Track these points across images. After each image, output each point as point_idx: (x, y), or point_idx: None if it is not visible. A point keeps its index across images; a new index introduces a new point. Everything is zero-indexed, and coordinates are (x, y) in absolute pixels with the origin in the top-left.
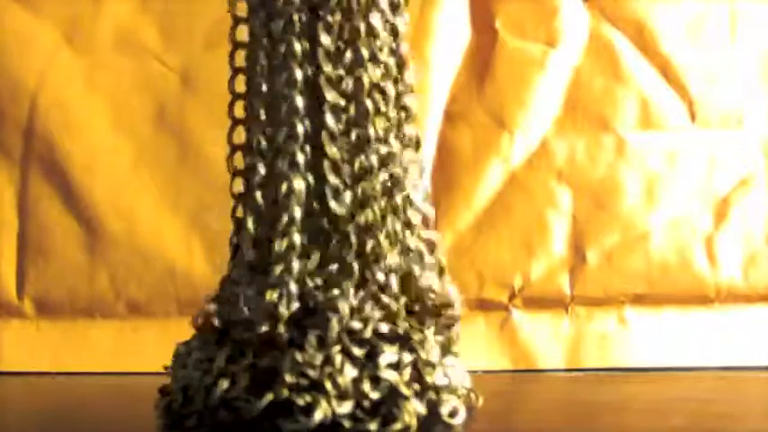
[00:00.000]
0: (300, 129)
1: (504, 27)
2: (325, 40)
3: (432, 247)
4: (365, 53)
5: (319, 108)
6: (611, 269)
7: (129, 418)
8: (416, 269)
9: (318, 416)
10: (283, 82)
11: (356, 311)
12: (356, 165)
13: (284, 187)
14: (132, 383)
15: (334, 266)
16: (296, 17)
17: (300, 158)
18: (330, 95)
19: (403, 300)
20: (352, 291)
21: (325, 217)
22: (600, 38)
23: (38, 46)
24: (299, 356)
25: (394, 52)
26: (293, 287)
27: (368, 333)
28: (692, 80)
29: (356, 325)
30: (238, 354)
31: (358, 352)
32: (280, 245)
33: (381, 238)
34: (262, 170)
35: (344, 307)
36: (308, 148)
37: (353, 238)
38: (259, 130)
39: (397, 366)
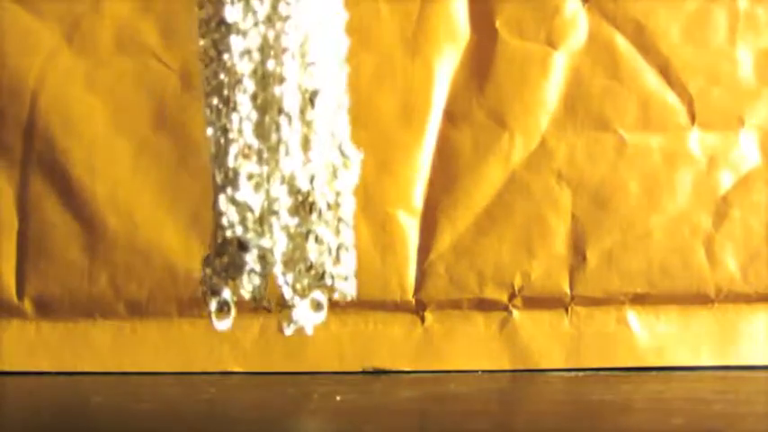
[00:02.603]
0: None
1: (504, 27)
2: None
3: None
4: None
5: None
6: (611, 269)
7: (129, 418)
8: None
9: None
10: None
11: None
12: None
13: None
14: (132, 383)
15: None
16: None
17: None
18: None
19: None
20: None
21: None
22: (600, 38)
23: (38, 46)
24: None
25: None
26: None
27: None
28: (692, 80)
29: None
30: None
31: None
32: None
33: None
34: None
35: None
36: None
37: None
38: None
39: None
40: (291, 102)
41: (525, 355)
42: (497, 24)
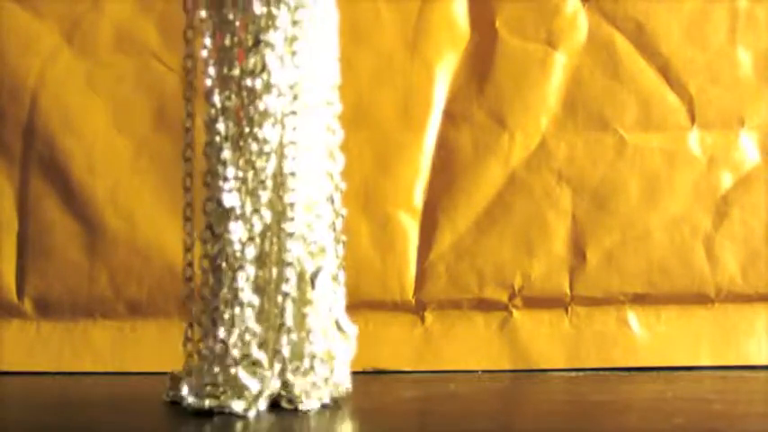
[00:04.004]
0: None
1: (504, 27)
2: None
3: None
4: None
5: None
6: (611, 269)
7: (129, 418)
8: None
9: None
10: None
11: None
12: None
13: None
14: (132, 383)
15: None
16: None
17: None
18: None
19: None
20: None
21: None
22: (600, 38)
23: (38, 46)
24: None
25: None
26: None
27: None
28: (692, 80)
29: None
30: None
31: None
32: None
33: None
34: None
35: None
36: None
37: None
38: None
39: None
40: (291, 282)
41: (525, 355)
42: (497, 24)
